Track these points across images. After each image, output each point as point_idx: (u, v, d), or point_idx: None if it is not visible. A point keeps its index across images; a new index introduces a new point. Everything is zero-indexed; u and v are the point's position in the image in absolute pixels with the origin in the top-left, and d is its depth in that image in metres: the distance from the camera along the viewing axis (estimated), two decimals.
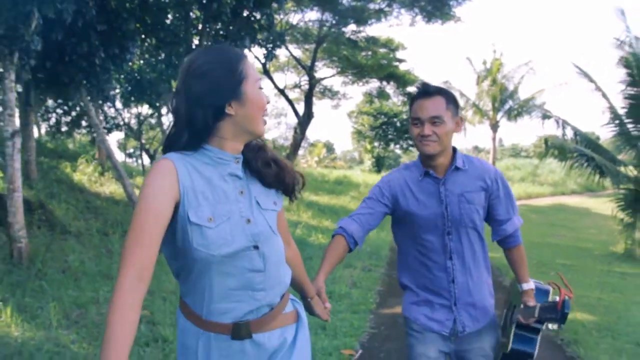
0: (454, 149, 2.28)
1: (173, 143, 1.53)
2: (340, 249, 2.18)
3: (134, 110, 23.89)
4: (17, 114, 6.58)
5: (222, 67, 1.49)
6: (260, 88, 1.55)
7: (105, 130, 21.71)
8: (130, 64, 13.45)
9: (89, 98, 11.03)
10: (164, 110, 22.72)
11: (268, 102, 1.58)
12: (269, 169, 1.63)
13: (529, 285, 2.35)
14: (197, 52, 1.59)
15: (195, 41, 12.77)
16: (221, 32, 12.45)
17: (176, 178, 1.45)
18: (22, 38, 6.07)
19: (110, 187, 13.25)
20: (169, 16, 12.64)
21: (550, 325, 2.15)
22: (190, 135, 1.50)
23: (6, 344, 3.77)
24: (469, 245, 2.25)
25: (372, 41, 22.09)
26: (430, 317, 2.27)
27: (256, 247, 1.52)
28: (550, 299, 2.29)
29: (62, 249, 7.12)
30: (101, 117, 19.21)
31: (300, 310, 1.76)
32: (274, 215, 1.63)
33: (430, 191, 2.24)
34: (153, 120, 26.01)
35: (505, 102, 30.51)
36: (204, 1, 11.65)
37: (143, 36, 12.15)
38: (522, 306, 2.29)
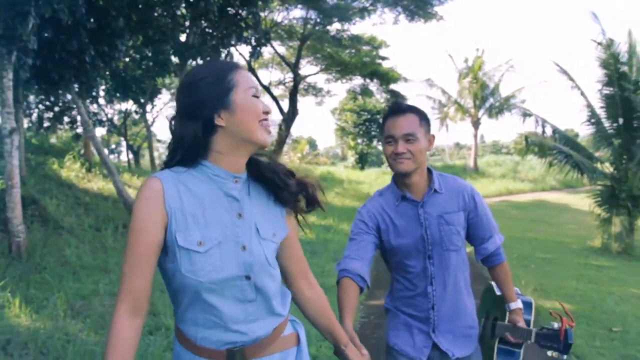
0: (429, 170, 2.24)
1: (169, 162, 1.47)
2: (352, 291, 2.01)
3: (117, 107, 24.00)
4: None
5: (210, 78, 1.43)
6: (256, 96, 1.45)
7: (92, 125, 21.76)
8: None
9: (77, 95, 11.13)
10: (148, 107, 22.85)
11: (268, 112, 1.47)
12: (290, 181, 1.55)
13: (517, 304, 2.31)
14: (192, 68, 1.59)
15: (182, 38, 12.93)
16: (208, 30, 12.63)
17: (162, 200, 1.39)
18: (20, 38, 6.23)
19: (98, 184, 13.35)
20: (156, 14, 12.72)
21: (550, 353, 2.11)
22: (184, 152, 1.43)
23: (18, 334, 3.97)
24: (450, 269, 2.18)
25: (356, 39, 22.32)
26: (408, 342, 2.21)
27: (248, 278, 1.43)
28: (535, 322, 2.27)
29: (57, 243, 7.29)
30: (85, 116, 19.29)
31: (300, 333, 1.65)
32: (272, 247, 1.51)
33: (409, 215, 2.19)
34: (136, 117, 26.10)
35: (487, 100, 31.02)
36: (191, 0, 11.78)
37: (131, 34, 12.22)
38: (507, 323, 2.28)
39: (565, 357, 2.07)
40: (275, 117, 23.30)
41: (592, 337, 4.70)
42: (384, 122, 2.18)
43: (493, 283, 2.48)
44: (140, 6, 11.55)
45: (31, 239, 6.80)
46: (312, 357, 4.00)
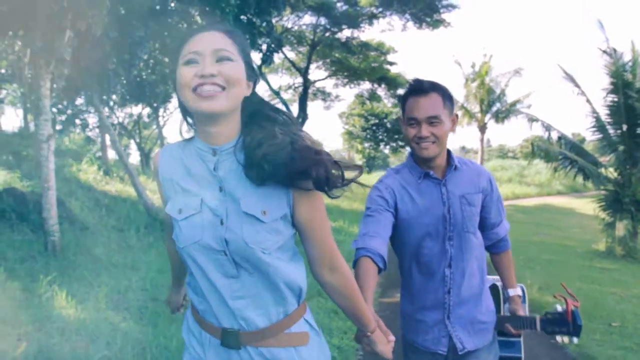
0: (447, 150, 2.13)
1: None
2: (372, 272, 1.84)
3: (128, 110, 24.44)
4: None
5: (175, 53, 1.42)
6: (190, 62, 1.34)
7: (98, 130, 22.25)
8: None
9: (99, 101, 11.55)
10: (160, 111, 23.31)
11: (203, 75, 1.31)
12: (289, 156, 1.36)
13: (516, 290, 2.28)
14: None
15: None
16: None
17: (157, 172, 1.50)
18: (57, 50, 6.66)
19: (116, 186, 13.75)
20: (173, 22, 13.11)
21: (560, 338, 2.07)
22: (187, 124, 1.51)
23: (68, 324, 4.36)
24: (470, 252, 2.09)
25: (365, 46, 22.71)
26: (425, 335, 2.13)
27: (225, 253, 1.39)
28: (551, 309, 2.17)
29: (85, 243, 7.70)
30: (94, 117, 19.74)
31: (313, 336, 1.57)
32: (260, 226, 1.39)
33: (431, 193, 2.08)
34: (147, 120, 26.58)
35: (493, 105, 31.28)
36: (207, 8, 12.18)
37: (149, 42, 12.63)
38: (506, 314, 2.23)
39: (576, 340, 2.04)
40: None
41: (592, 331, 5.07)
42: (405, 101, 2.06)
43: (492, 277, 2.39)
44: (158, 15, 12.00)
45: (63, 238, 7.21)
46: (335, 348, 4.40)
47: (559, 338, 2.09)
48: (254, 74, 1.46)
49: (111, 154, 21.92)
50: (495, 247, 2.29)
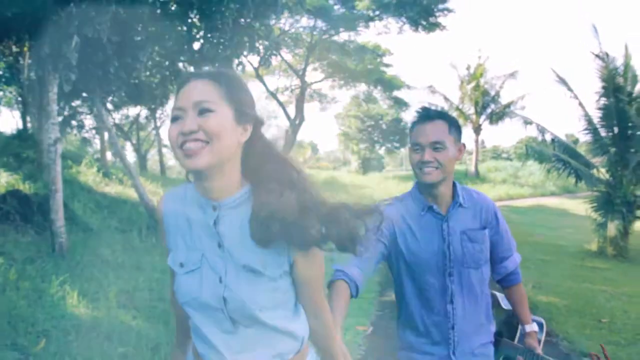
0: (454, 183, 2.14)
1: None
2: (345, 295, 1.89)
3: (123, 112, 24.59)
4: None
5: None
6: (174, 120, 1.31)
7: (94, 131, 22.42)
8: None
9: (101, 104, 11.72)
10: (158, 112, 23.46)
11: (185, 132, 1.27)
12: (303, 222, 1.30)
13: (532, 327, 2.25)
14: None
15: (195, 46, 13.48)
16: (222, 41, 13.20)
17: (162, 219, 1.46)
18: (65, 55, 6.84)
19: (115, 188, 13.88)
20: (174, 26, 13.25)
21: None
22: (187, 177, 1.47)
23: (82, 322, 4.55)
24: (471, 287, 2.09)
25: (362, 49, 22.95)
26: None
27: (222, 311, 1.36)
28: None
29: (89, 244, 7.88)
30: (90, 119, 19.89)
31: None
32: (258, 283, 1.35)
33: (432, 228, 2.08)
34: (143, 122, 26.73)
35: (488, 106, 31.57)
36: (207, 12, 12.36)
37: (150, 45, 12.79)
38: (519, 344, 2.23)
39: None
40: (283, 122, 23.97)
41: (582, 327, 5.31)
42: (412, 129, 2.10)
43: (496, 293, 2.41)
44: (158, 19, 12.17)
45: (68, 239, 7.38)
46: None
47: None
48: (249, 117, 1.34)
49: (108, 156, 22.02)
50: (505, 280, 2.27)
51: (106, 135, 18.19)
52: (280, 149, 1.47)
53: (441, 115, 2.07)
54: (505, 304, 2.36)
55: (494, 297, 2.35)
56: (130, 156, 29.30)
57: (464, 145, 2.11)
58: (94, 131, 22.30)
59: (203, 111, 1.27)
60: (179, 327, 1.64)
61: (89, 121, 20.73)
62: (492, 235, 2.14)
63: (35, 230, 8.39)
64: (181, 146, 1.27)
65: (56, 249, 6.88)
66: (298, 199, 1.32)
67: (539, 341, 2.25)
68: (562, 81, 13.08)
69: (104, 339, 4.17)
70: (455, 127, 2.05)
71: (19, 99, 20.64)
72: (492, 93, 31.10)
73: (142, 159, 28.72)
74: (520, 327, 2.28)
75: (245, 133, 1.35)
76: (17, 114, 22.37)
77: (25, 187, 10.19)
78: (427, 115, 2.07)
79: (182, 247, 1.41)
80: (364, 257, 1.92)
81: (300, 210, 1.30)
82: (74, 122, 20.01)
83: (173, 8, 12.93)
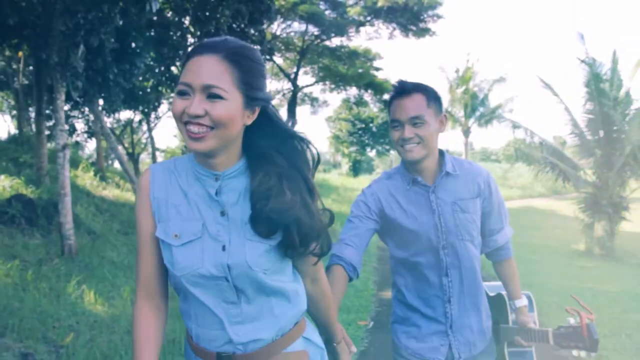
0: (442, 152, 2.05)
1: None
2: (341, 281, 1.88)
3: (116, 115, 24.74)
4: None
5: None
6: (181, 92, 1.27)
7: (87, 135, 22.58)
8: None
9: (101, 110, 11.96)
10: (152, 116, 23.65)
11: (190, 114, 1.24)
12: (263, 203, 1.33)
13: (523, 301, 2.18)
14: None
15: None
16: None
17: (148, 190, 1.40)
18: (72, 64, 7.09)
19: (113, 192, 14.07)
20: (170, 33, 13.50)
21: (576, 352, 1.97)
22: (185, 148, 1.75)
23: (101, 319, 4.82)
24: (466, 259, 2.01)
25: (354, 55, 23.29)
26: (422, 343, 2.05)
27: (226, 279, 1.34)
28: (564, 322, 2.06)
29: (95, 246, 8.12)
30: (81, 122, 20.05)
31: (313, 354, 1.54)
32: (262, 248, 1.36)
33: (419, 201, 2.01)
34: (135, 126, 26.89)
35: (476, 109, 32.01)
36: (203, 19, 12.63)
37: (148, 52, 13.04)
38: (515, 326, 2.16)
39: (594, 354, 1.95)
40: None
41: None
42: (389, 105, 2.00)
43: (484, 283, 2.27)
44: (157, 26, 12.44)
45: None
46: None
47: (574, 352, 1.98)
48: (258, 101, 1.32)
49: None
50: (495, 255, 2.20)
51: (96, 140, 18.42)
52: (286, 124, 1.44)
53: (418, 87, 1.95)
54: (490, 291, 2.27)
55: None
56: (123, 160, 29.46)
57: (445, 116, 2.01)
58: (85, 135, 22.42)
59: (212, 96, 1.23)
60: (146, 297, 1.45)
61: (79, 125, 20.85)
62: (484, 206, 2.05)
63: (41, 233, 8.61)
64: (185, 124, 1.26)
65: (65, 252, 7.12)
66: (299, 199, 1.35)
67: (532, 317, 2.18)
68: (548, 87, 13.44)
69: (124, 333, 4.44)
70: (434, 99, 1.96)
71: (12, 103, 20.79)
72: (481, 96, 31.56)
73: (135, 162, 28.88)
74: (509, 303, 2.20)
75: (252, 116, 1.33)
76: (7, 118, 22.48)
77: (28, 192, 10.39)
78: (403, 89, 1.95)
79: (176, 218, 1.36)
80: (354, 233, 1.98)
81: (302, 212, 1.35)
82: (65, 126, 20.20)
83: (169, 15, 13.23)
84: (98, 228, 9.62)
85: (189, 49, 13.40)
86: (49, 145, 20.18)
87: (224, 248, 1.34)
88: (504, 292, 2.25)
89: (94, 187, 13.94)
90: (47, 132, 19.50)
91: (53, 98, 7.28)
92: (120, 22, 10.38)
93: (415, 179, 2.01)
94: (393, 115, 1.96)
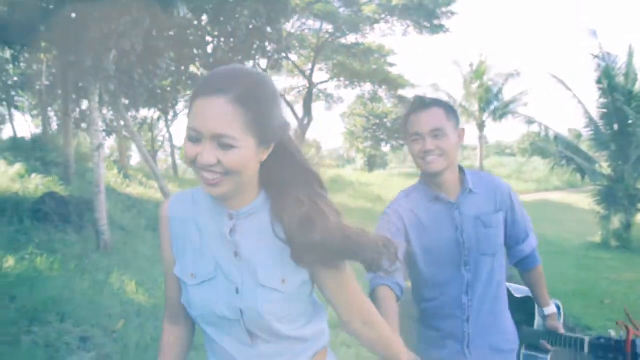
0: (461, 168, 2.06)
1: None
2: (391, 302, 1.79)
3: (132, 114, 25.16)
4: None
5: None
6: (190, 139, 1.18)
7: (105, 134, 23.01)
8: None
9: (124, 108, 12.30)
10: (170, 114, 24.07)
11: (203, 164, 1.17)
12: (309, 236, 1.24)
13: (552, 309, 2.17)
14: None
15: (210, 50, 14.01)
16: (234, 46, 13.74)
17: (167, 222, 1.37)
18: (105, 67, 7.43)
19: (137, 189, 14.42)
20: (189, 32, 13.77)
21: None
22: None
23: (145, 307, 5.15)
24: (488, 276, 1.99)
25: (369, 52, 23.53)
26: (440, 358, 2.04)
27: (239, 323, 1.30)
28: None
29: (126, 241, 8.48)
30: (100, 122, 20.44)
31: None
32: (277, 296, 1.29)
33: (441, 217, 2.00)
34: (151, 123, 27.36)
35: (491, 104, 32.04)
36: (222, 18, 12.90)
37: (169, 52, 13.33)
38: (541, 329, 2.16)
39: None
40: (291, 122, 24.55)
41: (587, 307, 5.92)
42: (407, 120, 2.02)
43: (508, 284, 2.26)
44: (176, 27, 12.75)
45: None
46: None
47: None
48: (273, 137, 1.22)
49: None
50: (522, 264, 2.19)
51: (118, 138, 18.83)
52: (304, 155, 1.34)
53: (437, 102, 1.99)
54: (517, 293, 2.26)
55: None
56: (137, 157, 29.89)
57: (463, 130, 2.04)
58: (104, 133, 22.83)
59: (223, 146, 1.14)
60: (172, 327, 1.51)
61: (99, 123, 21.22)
62: (507, 218, 2.06)
63: (73, 229, 8.97)
64: (198, 169, 1.19)
65: (101, 246, 7.48)
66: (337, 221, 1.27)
67: (559, 323, 2.17)
68: (561, 82, 13.60)
69: None
70: (452, 113, 1.99)
71: (32, 103, 21.22)
72: (495, 90, 31.59)
73: (153, 159, 29.33)
74: (538, 310, 2.19)
75: (267, 151, 1.24)
76: (29, 118, 22.97)
77: (59, 190, 10.77)
78: (422, 103, 1.98)
79: (191, 256, 1.33)
80: None
81: (346, 235, 1.25)
82: (83, 125, 20.59)
83: (188, 16, 13.53)
84: (127, 224, 9.97)
85: (208, 48, 13.76)
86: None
87: (237, 290, 1.28)
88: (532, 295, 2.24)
89: (118, 184, 14.28)
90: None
91: (87, 100, 7.60)
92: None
93: (438, 195, 2.01)
94: (413, 128, 1.97)
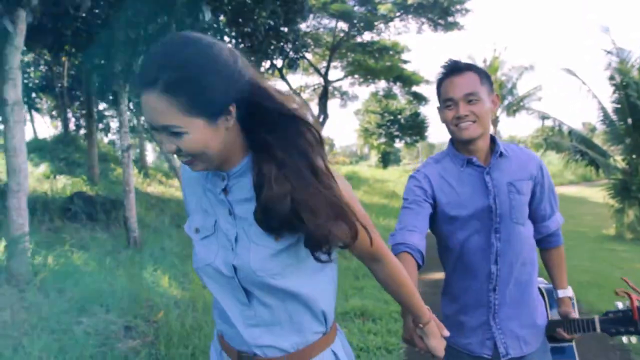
0: (492, 137, 1.99)
1: None
2: (412, 268, 1.72)
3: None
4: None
5: None
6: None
7: (119, 134, 23.32)
8: None
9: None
10: None
11: (162, 149, 1.15)
12: (263, 192, 1.21)
13: (567, 292, 2.09)
14: None
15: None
16: (252, 46, 13.99)
17: (182, 183, 1.46)
18: (134, 71, 7.74)
19: (158, 188, 14.75)
20: (209, 34, 14.00)
21: (625, 339, 1.87)
22: None
23: (178, 300, 5.45)
24: (519, 246, 1.92)
25: (385, 50, 23.75)
26: (468, 339, 1.99)
27: (235, 280, 1.31)
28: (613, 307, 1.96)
29: (155, 238, 8.79)
30: (115, 121, 20.77)
31: None
32: (268, 252, 1.27)
33: (474, 182, 1.93)
34: None
35: (505, 99, 32.13)
36: (240, 20, 13.15)
37: None
38: (556, 317, 2.08)
39: None
40: None
41: (601, 295, 6.13)
42: (440, 85, 1.94)
43: None
44: (196, 29, 13.00)
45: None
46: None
47: (624, 339, 1.89)
48: (224, 107, 1.16)
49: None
50: (545, 242, 2.12)
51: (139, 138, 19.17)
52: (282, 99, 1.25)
53: (470, 66, 1.91)
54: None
55: None
56: (151, 156, 30.34)
57: (497, 96, 1.97)
58: (119, 133, 23.12)
59: (174, 134, 1.14)
60: None
61: (114, 124, 21.55)
62: (536, 190, 1.99)
63: (101, 227, 9.33)
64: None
65: (130, 243, 7.81)
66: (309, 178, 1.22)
67: (573, 306, 2.08)
68: (578, 78, 13.70)
69: (204, 311, 5.06)
70: (486, 77, 1.92)
71: (51, 105, 21.63)
72: (509, 86, 31.67)
73: (166, 158, 29.69)
74: (554, 292, 2.13)
75: (229, 118, 1.19)
76: (47, 119, 23.39)
77: (87, 189, 11.14)
78: (456, 67, 1.90)
79: (199, 212, 1.38)
80: (416, 219, 1.88)
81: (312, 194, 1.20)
82: (100, 125, 20.97)
83: (207, 18, 13.78)
84: (151, 222, 10.30)
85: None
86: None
87: (232, 248, 1.30)
88: (542, 286, 2.17)
89: (139, 183, 14.57)
90: (83, 131, 20.38)
91: (115, 102, 7.91)
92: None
93: (470, 159, 1.94)
94: (446, 94, 1.90)
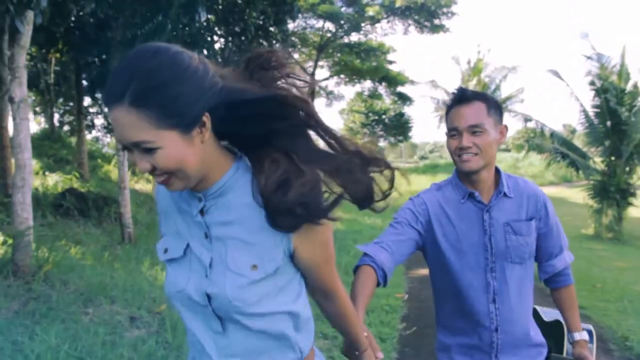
0: (497, 169, 1.95)
1: None
2: (370, 283, 1.71)
3: None
4: None
5: None
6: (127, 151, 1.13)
7: (105, 131, 23.39)
8: None
9: None
10: None
11: (137, 168, 1.08)
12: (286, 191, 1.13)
13: (582, 335, 2.01)
14: None
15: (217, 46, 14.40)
16: (241, 46, 14.15)
17: (157, 202, 1.37)
18: None
19: (145, 186, 14.80)
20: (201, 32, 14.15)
21: None
22: None
23: None
24: (516, 285, 1.89)
25: (372, 51, 24.04)
26: None
27: (208, 308, 1.22)
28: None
29: (148, 234, 8.96)
30: (101, 118, 20.80)
31: None
32: (244, 282, 1.18)
33: (472, 218, 1.90)
34: None
35: None
36: (231, 19, 13.31)
37: None
38: (570, 357, 2.03)
39: None
40: None
41: (580, 290, 6.30)
42: (447, 113, 1.91)
43: (537, 307, 2.23)
44: (191, 31, 13.15)
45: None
46: None
47: None
48: (197, 117, 1.08)
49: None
50: (553, 281, 2.06)
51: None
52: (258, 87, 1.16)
53: (479, 95, 1.87)
54: (547, 317, 2.19)
55: (534, 311, 2.15)
56: None
57: (505, 127, 1.91)
58: (104, 130, 23.18)
59: (146, 150, 1.06)
60: None
61: (99, 121, 21.54)
62: (540, 228, 1.93)
63: (93, 223, 9.46)
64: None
65: (125, 239, 7.98)
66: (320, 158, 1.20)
67: (590, 350, 2.02)
68: (559, 77, 14.04)
69: None
70: (495, 108, 1.86)
71: (35, 101, 21.58)
72: (492, 87, 32.07)
73: None
74: (567, 335, 2.06)
75: (204, 130, 1.11)
76: (31, 116, 23.30)
77: (78, 186, 11.24)
78: (463, 96, 1.86)
79: (170, 232, 1.30)
80: (394, 239, 1.84)
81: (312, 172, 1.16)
82: (85, 122, 20.95)
83: (203, 20, 13.92)
84: (143, 218, 10.45)
85: (216, 46, 14.13)
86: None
87: (206, 274, 1.20)
88: (562, 319, 2.11)
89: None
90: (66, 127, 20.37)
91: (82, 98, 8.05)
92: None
93: (472, 193, 1.91)
94: (451, 123, 1.87)
